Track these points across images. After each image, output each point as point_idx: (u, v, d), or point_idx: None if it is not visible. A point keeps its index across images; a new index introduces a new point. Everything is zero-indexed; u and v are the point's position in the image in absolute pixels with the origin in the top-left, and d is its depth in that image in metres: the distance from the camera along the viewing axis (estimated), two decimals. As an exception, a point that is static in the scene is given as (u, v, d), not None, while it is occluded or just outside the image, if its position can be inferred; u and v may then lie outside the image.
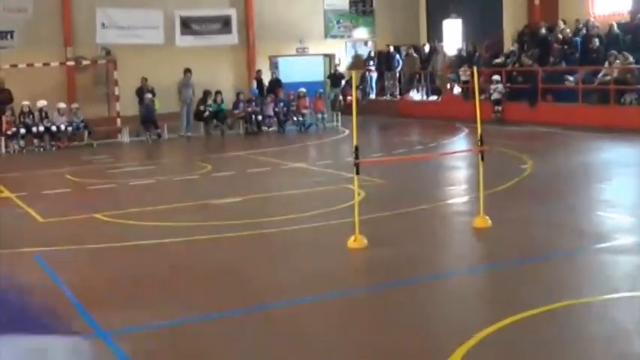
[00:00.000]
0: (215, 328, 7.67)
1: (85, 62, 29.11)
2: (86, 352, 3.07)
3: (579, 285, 8.69)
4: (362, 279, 9.42)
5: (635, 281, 8.55)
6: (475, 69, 12.26)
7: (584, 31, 28.26)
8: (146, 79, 28.79)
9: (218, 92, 28.87)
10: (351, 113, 28.91)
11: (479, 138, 11.48)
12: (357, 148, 10.42)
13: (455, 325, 7.47)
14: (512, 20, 31.89)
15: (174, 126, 27.77)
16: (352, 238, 10.37)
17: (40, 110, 26.05)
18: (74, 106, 27.15)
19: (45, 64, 27.60)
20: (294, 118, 28.82)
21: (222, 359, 6.90)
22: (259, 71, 32.31)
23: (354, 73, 12.22)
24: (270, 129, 28.25)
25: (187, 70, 29.10)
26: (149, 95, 27.87)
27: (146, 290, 9.03)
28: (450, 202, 14.09)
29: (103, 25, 29.36)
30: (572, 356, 6.74)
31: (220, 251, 10.84)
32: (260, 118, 28.38)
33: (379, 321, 7.67)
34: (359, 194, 11.00)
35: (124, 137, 27.62)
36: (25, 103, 25.94)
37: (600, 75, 25.41)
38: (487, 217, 11.27)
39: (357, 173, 10.51)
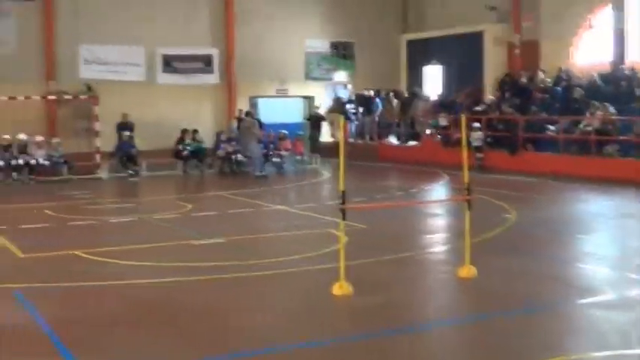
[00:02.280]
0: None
1: (66, 97, 28.99)
2: None
3: (569, 340, 8.63)
4: (348, 327, 9.29)
5: (624, 337, 8.48)
6: (463, 117, 12.21)
7: (564, 80, 28.49)
8: (127, 115, 28.71)
9: (195, 131, 28.83)
10: (328, 155, 29.10)
11: (466, 187, 11.47)
12: (343, 193, 10.35)
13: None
14: (492, 68, 32.14)
15: (154, 163, 27.62)
16: (337, 284, 10.29)
17: (20, 144, 25.86)
18: (55, 140, 27.04)
19: (26, 98, 27.47)
20: (274, 160, 28.76)
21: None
22: (240, 111, 32.29)
23: (341, 119, 12.15)
24: (253, 169, 28.18)
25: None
26: (126, 132, 27.77)
27: (125, 331, 8.90)
28: (433, 250, 14.07)
29: (85, 60, 29.34)
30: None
31: (202, 293, 10.72)
32: (240, 157, 28.29)
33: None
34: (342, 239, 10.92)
35: (103, 173, 27.47)
36: (5, 136, 25.78)
37: (582, 125, 25.56)
38: (472, 267, 11.22)
39: (344, 219, 10.45)
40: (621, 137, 24.22)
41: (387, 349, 8.23)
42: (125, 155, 27.35)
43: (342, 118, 12.24)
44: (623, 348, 8.10)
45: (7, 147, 25.71)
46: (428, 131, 31.98)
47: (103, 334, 8.79)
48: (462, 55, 33.44)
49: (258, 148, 27.58)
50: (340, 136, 11.15)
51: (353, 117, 34.86)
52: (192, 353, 8.08)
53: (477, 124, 28.01)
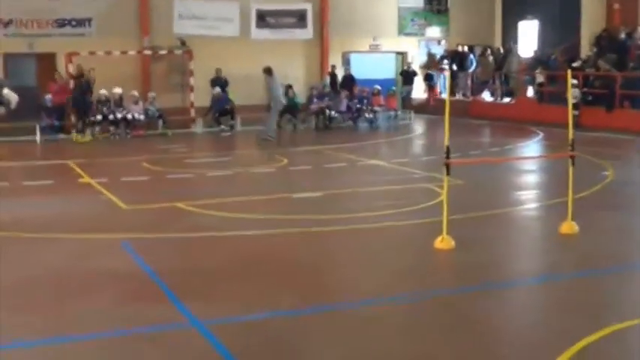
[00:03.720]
0: (305, 324, 7.65)
1: (161, 52, 29.34)
2: None
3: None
4: (451, 281, 9.32)
5: None
6: (569, 73, 12.03)
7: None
8: (220, 70, 28.95)
9: (289, 86, 28.92)
10: (420, 111, 29.02)
11: (570, 142, 11.34)
12: (448, 148, 10.32)
13: (548, 334, 7.35)
14: (590, 24, 31.49)
15: (247, 118, 27.86)
16: (439, 238, 10.31)
17: (117, 98, 26.32)
18: (151, 95, 27.42)
19: (122, 53, 27.91)
20: (367, 115, 28.77)
21: (316, 356, 6.86)
22: (333, 66, 32.34)
23: (448, 75, 12.10)
24: (344, 124, 28.20)
25: (269, 70, 25.78)
26: (217, 89, 27.96)
27: (233, 282, 9.04)
28: (531, 206, 13.96)
29: (180, 15, 29.57)
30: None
31: (303, 246, 10.85)
32: (333, 113, 28.37)
33: (466, 324, 7.58)
34: (440, 195, 10.91)
35: (198, 128, 27.83)
36: (102, 91, 26.25)
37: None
38: (574, 223, 11.13)
39: (448, 173, 10.42)
40: None
41: (487, 302, 8.25)
42: (220, 110, 27.60)
43: (447, 74, 12.14)
44: None
45: (104, 102, 26.17)
46: (524, 88, 31.56)
47: (209, 283, 8.97)
48: (559, 10, 32.82)
49: (273, 111, 25.60)
50: (447, 91, 11.09)
51: (447, 73, 34.57)
52: (301, 303, 8.20)
53: (573, 81, 27.53)
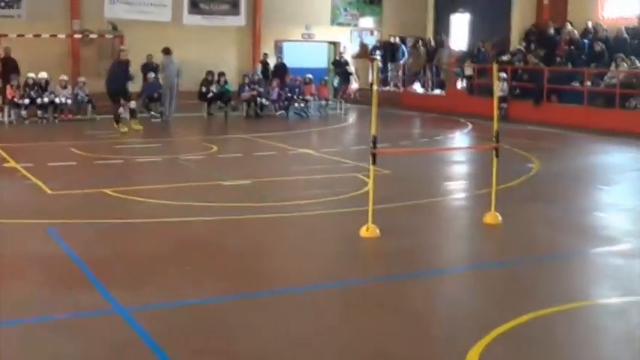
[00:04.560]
0: (230, 309, 7.69)
1: (92, 36, 29.05)
2: None
3: (591, 286, 8.80)
4: (375, 269, 9.45)
5: (643, 285, 8.64)
6: (495, 66, 12.23)
7: (591, 33, 28.32)
8: (152, 56, 28.74)
9: (222, 74, 28.83)
10: (352, 101, 29.16)
11: (495, 135, 11.54)
12: (375, 138, 10.44)
13: (468, 321, 7.51)
14: (520, 18, 31.93)
15: (178, 105, 27.71)
16: (365, 227, 10.43)
17: (43, 82, 25.95)
18: (81, 79, 27.06)
19: (52, 36, 27.57)
20: (297, 104, 28.83)
21: (242, 341, 6.91)
22: (265, 55, 32.34)
23: (375, 64, 12.21)
24: (278, 113, 28.21)
25: (167, 51, 26.91)
26: (151, 74, 27.76)
27: (159, 268, 9.05)
28: (458, 196, 14.19)
29: (111, -1, 29.32)
30: (592, 354, 6.82)
31: (233, 233, 10.87)
32: (264, 101, 28.37)
33: (388, 312, 7.69)
34: (367, 184, 11.03)
35: (127, 114, 27.58)
36: (30, 75, 25.86)
37: (606, 77, 25.47)
38: (498, 214, 11.34)
39: (374, 163, 10.55)
40: (646, 91, 24.15)
41: (411, 291, 8.40)
42: (150, 97, 27.39)
43: (376, 63, 12.25)
44: (642, 294, 8.25)
45: (32, 86, 25.78)
46: (454, 81, 31.91)
47: (136, 270, 8.95)
48: (490, 3, 33.22)
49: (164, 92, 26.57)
50: (374, 81, 11.22)
51: (379, 64, 34.79)
52: (225, 290, 8.24)
53: (502, 74, 27.90)
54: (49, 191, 13.53)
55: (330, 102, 30.62)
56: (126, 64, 23.51)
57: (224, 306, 7.79)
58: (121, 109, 22.95)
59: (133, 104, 23.39)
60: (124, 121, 22.96)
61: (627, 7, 28.51)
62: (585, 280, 9.05)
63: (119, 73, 23.22)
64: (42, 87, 25.79)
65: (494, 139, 11.63)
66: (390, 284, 8.62)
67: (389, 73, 35.28)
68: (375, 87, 10.89)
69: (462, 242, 11.10)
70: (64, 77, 26.59)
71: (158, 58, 28.40)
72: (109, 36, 29.26)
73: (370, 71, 34.02)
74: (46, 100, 25.61)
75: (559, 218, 12.09)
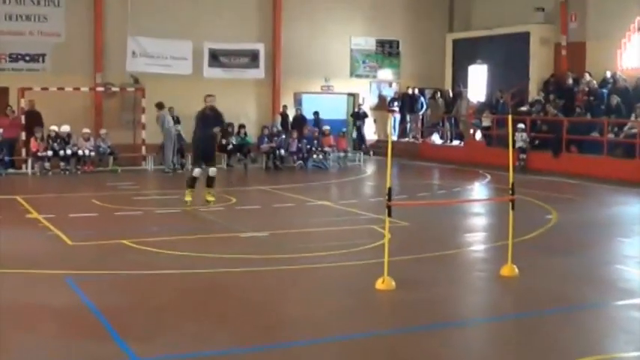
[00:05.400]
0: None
1: (114, 89, 29.41)
2: None
3: (609, 339, 8.76)
4: (391, 321, 9.48)
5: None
6: (510, 117, 12.30)
7: (610, 83, 28.40)
8: (173, 109, 29.00)
9: (242, 126, 29.13)
10: (371, 153, 29.25)
11: (510, 187, 11.59)
12: (390, 190, 10.53)
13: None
14: (538, 69, 32.09)
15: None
16: (381, 279, 10.46)
17: (66, 135, 26.28)
18: (102, 131, 27.41)
19: (75, 89, 27.92)
20: (316, 156, 28.99)
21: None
22: (285, 106, 32.59)
23: (389, 117, 12.32)
24: (296, 164, 28.38)
25: (160, 105, 27.78)
26: (178, 127, 28.02)
27: (176, 319, 9.10)
28: (476, 248, 14.21)
29: (133, 53, 29.68)
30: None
31: (249, 285, 10.93)
32: (283, 153, 28.56)
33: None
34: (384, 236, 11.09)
35: (149, 165, 27.85)
36: (53, 128, 26.20)
37: (626, 128, 25.51)
38: (514, 266, 11.35)
39: (390, 215, 10.62)
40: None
41: (426, 343, 8.40)
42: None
43: (390, 117, 12.37)
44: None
45: (55, 138, 26.11)
46: (471, 131, 32.02)
47: (153, 322, 9.01)
48: (508, 55, 33.40)
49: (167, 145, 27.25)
50: (388, 133, 11.29)
51: (397, 115, 34.95)
52: (238, 341, 8.29)
53: (521, 125, 28.01)
54: (69, 242, 13.66)
55: (349, 153, 30.77)
56: (215, 112, 18.85)
57: (238, 358, 7.82)
58: (197, 172, 18.39)
59: (213, 171, 18.47)
60: (192, 190, 18.38)
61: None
62: (602, 334, 9.02)
63: (208, 124, 18.44)
64: (64, 140, 26.11)
65: (509, 191, 11.66)
66: (405, 336, 8.64)
67: (408, 125, 35.41)
68: (390, 139, 10.94)
69: (479, 295, 11.10)
70: (87, 130, 26.94)
71: (180, 111, 28.70)
72: (130, 89, 29.56)
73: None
74: (69, 152, 25.91)
75: (577, 270, 12.09)
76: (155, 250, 13.04)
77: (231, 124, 28.71)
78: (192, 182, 18.29)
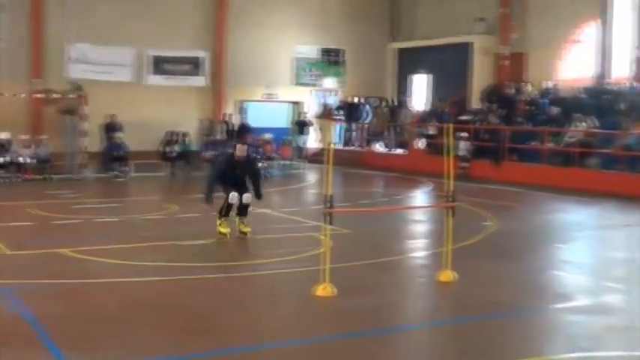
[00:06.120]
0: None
1: (55, 95, 29.08)
2: None
3: (543, 342, 8.84)
4: (330, 327, 9.47)
5: (595, 341, 8.74)
6: (451, 126, 12.42)
7: (550, 93, 28.82)
8: (115, 116, 28.84)
9: (185, 134, 29.04)
10: (314, 161, 29.24)
11: (450, 194, 11.67)
12: (330, 197, 10.55)
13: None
14: (480, 78, 32.45)
15: (140, 165, 27.74)
16: (321, 286, 10.47)
17: (5, 142, 25.93)
18: (43, 138, 27.08)
19: (14, 95, 27.57)
20: (260, 164, 28.91)
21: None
22: (229, 115, 32.52)
23: (331, 124, 12.32)
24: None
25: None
26: (119, 134, 27.86)
27: (113, 328, 9.01)
28: (415, 255, 14.30)
29: (73, 59, 29.45)
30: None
31: (187, 292, 10.86)
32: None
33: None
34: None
35: (90, 173, 27.58)
36: (-8, 135, 25.90)
37: (565, 137, 25.87)
38: (453, 272, 11.44)
39: (330, 223, 10.65)
40: (603, 150, 24.53)
41: (366, 349, 8.41)
42: (113, 156, 27.41)
43: (332, 124, 12.37)
44: (594, 350, 8.35)
45: (-6, 146, 25.77)
46: (416, 140, 32.23)
47: (91, 331, 8.90)
48: (450, 64, 33.77)
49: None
50: (329, 141, 11.23)
51: (342, 124, 35.07)
52: (177, 349, 8.24)
53: (463, 134, 28.25)
54: (7, 251, 13.46)
55: (292, 162, 30.79)
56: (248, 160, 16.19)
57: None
58: (234, 198, 15.27)
59: (247, 197, 15.51)
60: (227, 219, 15.46)
61: (583, 68, 29.07)
62: (538, 337, 9.11)
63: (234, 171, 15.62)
64: (4, 147, 25.76)
65: (449, 198, 11.75)
66: (344, 342, 8.65)
67: (353, 133, 35.53)
68: (331, 147, 10.96)
69: (417, 300, 11.16)
70: (25, 137, 26.59)
71: (120, 117, 28.51)
72: (71, 96, 29.26)
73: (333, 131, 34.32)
74: (7, 159, 25.57)
75: (514, 276, 12.22)
76: (93, 258, 12.91)
77: (173, 132, 28.65)
78: (228, 210, 15.41)
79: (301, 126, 34.53)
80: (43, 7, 29.81)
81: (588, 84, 28.31)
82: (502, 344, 8.59)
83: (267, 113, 34.78)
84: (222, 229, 15.18)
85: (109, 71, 30.14)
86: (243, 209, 15.43)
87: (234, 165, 15.49)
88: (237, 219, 15.35)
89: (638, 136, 23.84)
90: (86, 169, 27.70)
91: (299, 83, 36.15)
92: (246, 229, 15.31)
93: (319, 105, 36.54)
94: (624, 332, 9.24)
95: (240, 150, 15.60)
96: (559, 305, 10.41)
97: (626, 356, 8.23)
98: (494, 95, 31.28)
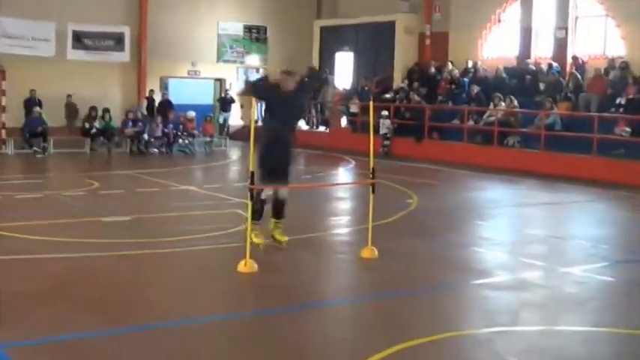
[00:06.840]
0: (110, 344, 7.69)
1: (-28, 71, 28.56)
2: None
3: (462, 318, 9.06)
4: (251, 303, 9.55)
5: (514, 316, 8.96)
6: (372, 104, 12.53)
7: (471, 72, 29.18)
8: (35, 91, 28.42)
9: (106, 110, 28.78)
10: (237, 138, 29.25)
11: (371, 171, 11.81)
12: (252, 174, 10.61)
13: (342, 352, 7.69)
14: (403, 57, 32.64)
15: (61, 141, 27.44)
16: (243, 262, 10.53)
17: None
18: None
19: None
20: (181, 141, 28.83)
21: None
22: (151, 91, 32.26)
23: (252, 100, 12.30)
24: (160, 150, 28.18)
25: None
26: (37, 108, 27.48)
27: (37, 304, 8.93)
28: (337, 232, 14.39)
29: (-7, 33, 28.90)
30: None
31: (109, 269, 10.82)
32: (147, 138, 28.28)
33: (265, 346, 7.79)
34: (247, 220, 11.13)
35: (9, 149, 27.18)
36: None
37: (485, 116, 26.27)
38: (374, 249, 11.58)
39: (252, 199, 10.71)
40: (522, 129, 24.97)
41: (287, 324, 8.48)
42: (33, 132, 27.03)
43: (253, 99, 12.38)
44: (511, 325, 8.55)
45: None
46: (338, 118, 32.38)
47: (13, 307, 8.81)
48: (374, 43, 33.94)
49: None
50: (251, 117, 11.16)
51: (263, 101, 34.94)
52: (100, 325, 8.21)
53: (385, 112, 28.49)
54: None
55: (215, 139, 30.71)
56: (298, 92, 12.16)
57: (104, 341, 7.77)
58: (267, 194, 12.12)
59: (284, 194, 12.26)
60: (259, 226, 12.12)
61: (506, 48, 29.49)
62: (457, 312, 9.31)
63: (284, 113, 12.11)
64: None
65: (370, 175, 11.88)
66: (263, 318, 8.73)
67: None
68: (253, 124, 10.98)
69: (339, 277, 11.28)
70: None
71: (41, 93, 28.13)
72: (-10, 70, 28.77)
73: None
74: None
75: (435, 252, 12.42)
76: (15, 235, 12.75)
77: (94, 108, 28.38)
78: (261, 212, 12.04)
79: (224, 103, 34.43)
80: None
81: (511, 64, 28.72)
82: (422, 319, 8.74)
83: (191, 90, 34.63)
84: (257, 239, 11.74)
85: (30, 45, 29.61)
86: (278, 208, 12.26)
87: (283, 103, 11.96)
88: (271, 222, 12.25)
89: (557, 115, 24.30)
90: (6, 145, 27.29)
91: (222, 60, 36.01)
92: (283, 238, 12.14)
93: (243, 82, 36.45)
94: (542, 307, 9.48)
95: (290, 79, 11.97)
96: (478, 281, 10.61)
97: (544, 330, 8.44)
98: (416, 74, 31.55)
